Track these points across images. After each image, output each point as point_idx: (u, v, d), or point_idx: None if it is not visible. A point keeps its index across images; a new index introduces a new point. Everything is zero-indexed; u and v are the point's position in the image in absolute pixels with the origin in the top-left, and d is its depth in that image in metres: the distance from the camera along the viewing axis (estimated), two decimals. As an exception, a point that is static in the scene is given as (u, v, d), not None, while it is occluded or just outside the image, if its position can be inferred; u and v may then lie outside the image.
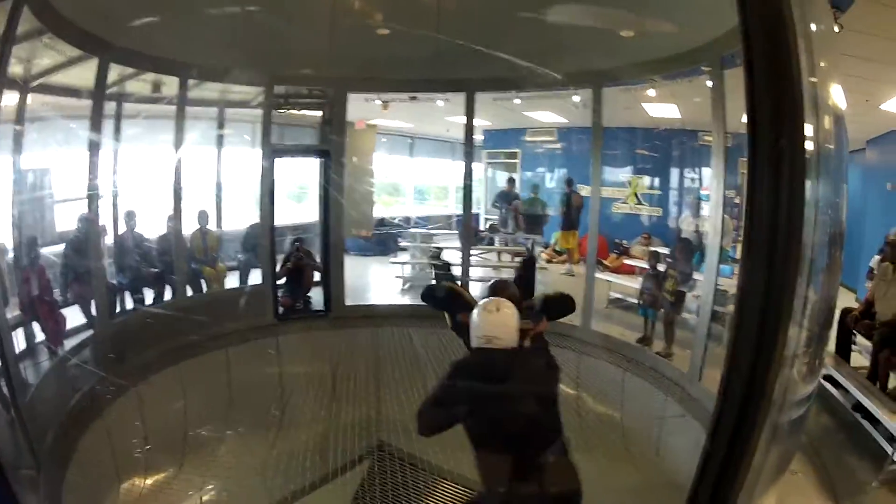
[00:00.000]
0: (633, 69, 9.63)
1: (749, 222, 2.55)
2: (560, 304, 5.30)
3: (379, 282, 12.94)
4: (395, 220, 15.78)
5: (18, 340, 6.76)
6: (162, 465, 7.64)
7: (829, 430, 7.27)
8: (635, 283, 10.86)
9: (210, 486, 7.35)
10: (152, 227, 9.60)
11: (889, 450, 6.34)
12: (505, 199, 14.62)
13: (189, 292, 10.13)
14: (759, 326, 2.64)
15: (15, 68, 6.69)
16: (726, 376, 2.72)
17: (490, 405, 4.31)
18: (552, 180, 14.74)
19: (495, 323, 4.34)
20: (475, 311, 4.44)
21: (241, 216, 11.02)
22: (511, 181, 15.10)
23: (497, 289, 5.01)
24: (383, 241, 14.45)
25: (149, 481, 7.50)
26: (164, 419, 7.84)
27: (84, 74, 7.95)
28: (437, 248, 12.76)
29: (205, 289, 10.40)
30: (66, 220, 8.37)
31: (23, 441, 5.33)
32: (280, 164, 10.43)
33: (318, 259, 11.12)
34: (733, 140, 8.23)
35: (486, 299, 4.50)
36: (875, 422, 6.69)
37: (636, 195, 13.38)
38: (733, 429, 2.79)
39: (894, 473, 6.27)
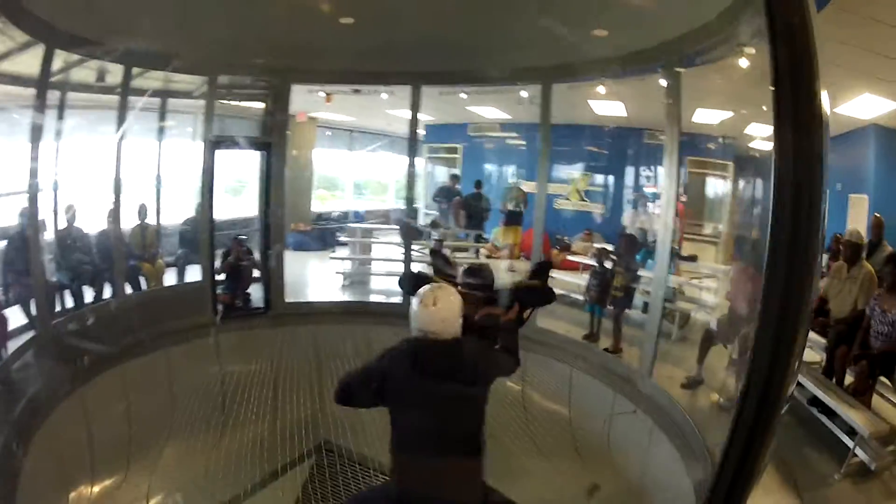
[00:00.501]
0: (585, 66, 9.62)
1: (775, 224, 2.54)
2: (532, 293, 5.27)
3: (319, 278, 12.80)
4: (334, 215, 15.60)
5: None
6: (109, 472, 7.42)
7: (788, 425, 7.37)
8: (578, 280, 10.90)
9: (156, 492, 7.16)
10: (92, 222, 9.30)
11: (850, 443, 6.45)
12: (446, 194, 14.60)
13: (128, 290, 9.76)
14: (778, 326, 2.64)
15: None
16: (748, 377, 2.71)
17: (407, 396, 4.29)
18: (494, 176, 14.70)
19: (430, 316, 4.28)
20: (413, 301, 4.36)
21: (180, 210, 10.73)
22: (455, 177, 15.10)
23: (471, 272, 5.12)
24: (322, 236, 14.31)
25: (96, 489, 7.29)
26: (109, 424, 7.61)
27: (29, 62, 7.70)
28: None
29: (144, 286, 10.08)
30: (5, 215, 8.05)
31: None
32: (220, 156, 10.18)
33: (256, 255, 10.90)
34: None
35: (425, 289, 4.40)
36: (832, 415, 6.80)
37: (578, 192, 13.45)
38: (750, 430, 2.79)
39: (856, 466, 6.39)
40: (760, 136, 9.10)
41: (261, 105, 10.73)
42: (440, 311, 4.29)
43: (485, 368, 4.40)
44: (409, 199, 11.53)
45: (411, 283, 5.40)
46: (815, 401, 7.30)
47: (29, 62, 7.70)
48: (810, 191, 2.44)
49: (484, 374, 4.37)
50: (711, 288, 9.91)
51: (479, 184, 13.69)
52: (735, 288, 8.21)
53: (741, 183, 9.74)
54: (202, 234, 10.10)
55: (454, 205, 14.51)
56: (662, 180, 8.78)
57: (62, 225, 8.88)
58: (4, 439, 6.44)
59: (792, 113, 2.48)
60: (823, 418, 7.10)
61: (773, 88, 2.45)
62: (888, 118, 10.62)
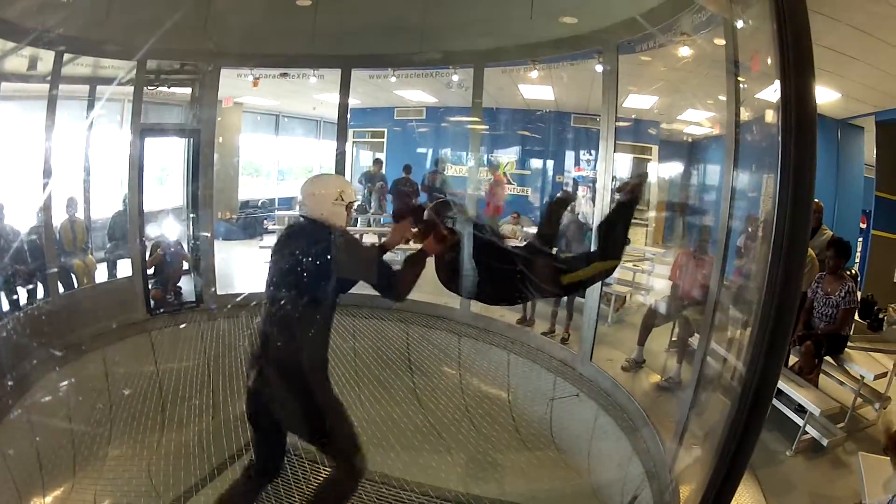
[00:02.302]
0: (518, 50, 9.64)
1: (779, 219, 2.67)
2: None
3: (247, 268, 12.60)
4: (259, 202, 15.39)
5: None
6: (57, 482, 7.23)
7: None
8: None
9: (103, 498, 7.02)
10: (20, 219, 8.94)
11: (799, 421, 6.64)
12: (370, 179, 14.55)
13: (61, 288, 9.46)
14: (775, 317, 2.77)
15: None
16: (750, 365, 2.85)
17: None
18: (420, 161, 14.67)
19: (304, 188, 4.55)
20: None
21: (108, 202, 10.41)
22: (378, 162, 15.04)
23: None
24: (248, 224, 14.11)
25: (48, 500, 7.13)
26: (52, 432, 7.42)
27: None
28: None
29: (76, 284, 9.78)
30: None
31: None
32: (148, 144, 9.93)
33: (185, 246, 10.64)
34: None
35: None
36: (779, 395, 6.99)
37: (506, 175, 13.54)
38: (745, 425, 2.93)
39: (807, 443, 6.60)
40: (690, 121, 9.31)
41: (188, 91, 10.49)
42: (312, 185, 4.54)
43: (336, 259, 4.34)
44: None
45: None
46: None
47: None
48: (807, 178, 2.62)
49: (333, 263, 4.33)
50: (646, 270, 10.08)
51: (408, 168, 13.62)
52: (678, 269, 8.37)
53: (672, 166, 9.92)
54: (132, 227, 9.83)
55: (377, 189, 14.50)
56: (598, 164, 8.89)
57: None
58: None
59: (795, 105, 2.66)
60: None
61: (779, 78, 2.62)
62: (826, 107, 10.91)
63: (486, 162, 14.02)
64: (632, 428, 7.26)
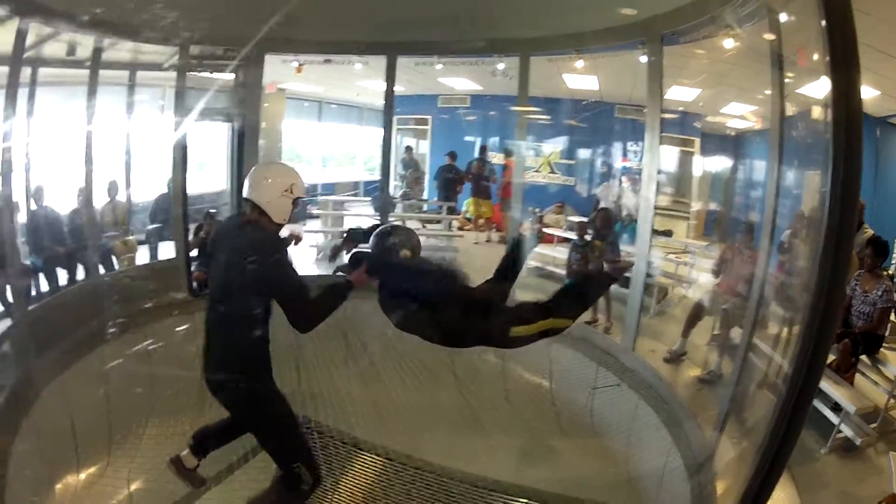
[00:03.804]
0: (563, 40, 9.58)
1: (829, 216, 2.67)
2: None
3: (291, 251, 12.65)
4: (303, 187, 15.44)
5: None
6: (92, 461, 7.33)
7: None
8: (555, 252, 10.95)
9: (137, 477, 7.10)
10: (62, 202, 9.07)
11: (834, 419, 6.58)
12: (406, 166, 14.61)
13: (101, 270, 9.59)
14: (823, 312, 2.78)
15: None
16: (796, 361, 2.86)
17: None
18: (464, 148, 14.63)
19: (248, 176, 4.62)
20: None
21: (150, 186, 10.52)
22: (408, 149, 15.18)
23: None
24: (292, 209, 14.16)
25: (82, 476, 7.22)
26: (90, 411, 7.50)
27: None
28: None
29: (116, 265, 9.89)
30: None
31: None
32: (191, 129, 10.02)
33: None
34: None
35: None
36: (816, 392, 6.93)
37: (550, 164, 13.48)
38: (789, 422, 2.94)
39: (841, 441, 6.54)
40: (733, 114, 9.22)
41: (231, 76, 10.56)
42: (265, 171, 4.76)
43: (257, 261, 4.33)
44: (385, 171, 11.40)
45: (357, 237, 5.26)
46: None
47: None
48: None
49: (254, 266, 4.32)
50: (688, 263, 10.01)
51: (452, 155, 13.64)
52: (723, 265, 8.32)
53: (717, 160, 9.84)
54: (175, 210, 9.91)
55: (409, 176, 14.54)
56: (643, 156, 8.84)
57: (32, 207, 8.65)
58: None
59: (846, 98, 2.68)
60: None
61: (830, 69, 2.63)
62: (866, 105, 10.76)
63: (498, 148, 14.04)
64: (672, 420, 7.23)
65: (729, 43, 7.87)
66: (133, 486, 7.00)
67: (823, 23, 2.75)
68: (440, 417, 8.52)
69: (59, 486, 6.91)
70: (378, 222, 5.30)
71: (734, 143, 9.15)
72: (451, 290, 4.84)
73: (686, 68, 8.91)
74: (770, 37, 6.11)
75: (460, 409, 8.79)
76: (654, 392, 7.79)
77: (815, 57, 2.94)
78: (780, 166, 6.01)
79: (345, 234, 5.17)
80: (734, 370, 6.64)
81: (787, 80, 5.86)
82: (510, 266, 5.58)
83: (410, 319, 4.88)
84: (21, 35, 7.52)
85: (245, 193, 4.53)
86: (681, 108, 9.83)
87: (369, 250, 4.82)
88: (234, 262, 4.36)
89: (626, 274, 9.10)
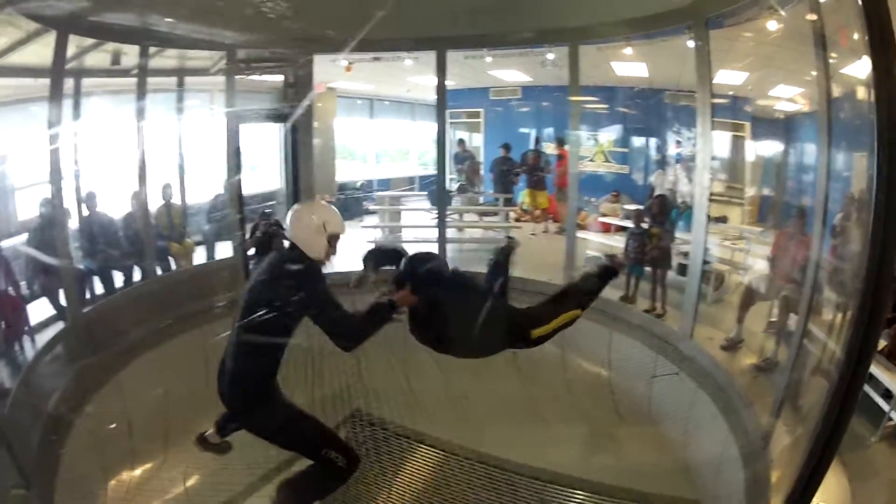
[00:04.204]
0: (611, 27, 9.51)
1: (881, 194, 2.66)
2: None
3: (348, 247, 12.75)
4: (357, 184, 15.58)
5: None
6: (147, 457, 7.49)
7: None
8: (611, 241, 10.90)
9: (194, 472, 7.22)
10: (115, 206, 9.20)
11: (885, 406, 6.45)
12: (460, 160, 14.64)
13: (158, 271, 9.75)
14: (873, 296, 2.75)
15: None
16: (849, 345, 2.84)
17: None
18: (518, 140, 14.59)
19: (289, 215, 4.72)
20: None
21: (204, 188, 10.68)
22: (461, 142, 15.21)
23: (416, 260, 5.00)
24: (347, 205, 14.28)
25: (137, 472, 7.37)
26: (146, 409, 7.66)
27: (41, 52, 7.61)
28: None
29: (173, 266, 10.07)
30: (27, 207, 7.99)
31: (8, 458, 5.17)
32: (244, 131, 10.15)
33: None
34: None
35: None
36: (868, 378, 6.78)
37: (603, 153, 13.40)
38: (841, 406, 2.92)
39: (891, 429, 6.40)
40: (783, 97, 9.08)
41: (280, 78, 10.68)
42: (299, 210, 4.75)
43: (290, 287, 4.43)
44: (441, 165, 11.44)
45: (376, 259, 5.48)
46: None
47: (40, 51, 7.63)
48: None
49: (288, 292, 4.41)
50: (744, 249, 9.88)
51: (506, 147, 13.62)
52: (778, 250, 8.21)
53: (768, 144, 9.69)
54: (231, 210, 10.07)
55: (467, 169, 14.56)
56: (696, 142, 8.76)
57: (85, 212, 8.78)
58: (42, 432, 6.53)
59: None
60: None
61: (868, 47, 2.61)
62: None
63: (551, 138, 13.97)
64: (729, 408, 7.17)
65: (773, 25, 7.76)
66: (189, 482, 7.15)
67: (860, 1, 2.72)
68: (501, 409, 8.55)
69: (112, 482, 7.08)
70: (394, 244, 5.37)
71: (784, 127, 8.99)
72: (491, 305, 5.04)
73: (732, 52, 8.79)
74: (812, 17, 6.00)
75: (521, 400, 8.81)
76: (712, 380, 7.74)
77: (856, 37, 2.90)
78: (829, 149, 5.91)
79: (364, 259, 5.34)
80: (789, 357, 6.55)
81: (831, 61, 5.76)
82: (503, 272, 5.76)
83: (449, 339, 5.08)
84: (61, 46, 7.69)
85: (286, 233, 4.67)
86: (730, 93, 9.69)
87: (407, 269, 4.93)
88: (269, 287, 4.49)
89: (682, 262, 9.09)
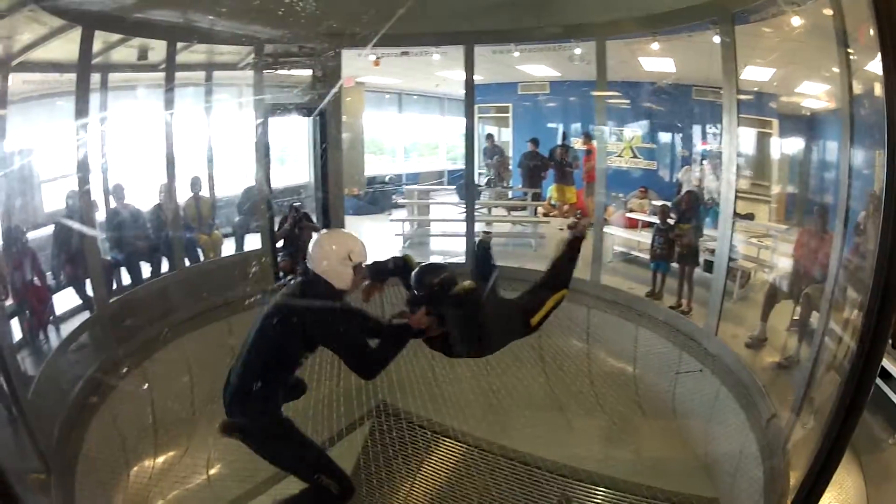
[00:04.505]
0: (638, 22, 9.49)
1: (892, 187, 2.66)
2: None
3: (377, 241, 12.80)
4: (386, 178, 15.63)
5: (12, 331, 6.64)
6: (171, 445, 7.60)
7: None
8: (639, 237, 10.88)
9: (217, 462, 7.30)
10: (144, 199, 9.31)
11: (905, 407, 6.39)
12: (489, 155, 14.64)
13: (186, 262, 9.87)
14: (882, 294, 2.75)
15: None
16: (864, 335, 2.84)
17: None
18: (546, 134, 14.56)
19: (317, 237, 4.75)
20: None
21: (233, 180, 10.77)
22: (489, 137, 15.20)
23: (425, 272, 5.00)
24: (376, 199, 14.36)
25: (160, 460, 7.46)
26: (171, 397, 7.76)
27: (67, 47, 7.70)
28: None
29: (202, 258, 10.18)
30: (54, 199, 8.07)
31: (29, 443, 5.24)
32: (272, 125, 10.23)
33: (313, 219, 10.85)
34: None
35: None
36: (887, 378, 6.71)
37: (631, 149, 13.33)
38: (854, 396, 2.92)
39: (910, 431, 6.33)
40: (815, 94, 9.00)
41: (308, 72, 10.73)
42: (322, 240, 4.71)
43: (314, 322, 4.45)
44: (469, 160, 11.47)
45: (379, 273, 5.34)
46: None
47: (65, 46, 7.71)
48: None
49: (310, 325, 4.44)
50: (770, 247, 9.81)
51: (535, 142, 13.58)
52: (800, 248, 8.15)
53: (793, 142, 9.61)
54: (260, 202, 10.15)
55: (496, 163, 14.56)
56: (722, 137, 8.72)
57: (112, 204, 8.89)
58: (65, 418, 6.63)
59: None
60: (879, 381, 7.01)
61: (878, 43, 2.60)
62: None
63: (579, 133, 13.92)
64: (751, 405, 7.16)
65: (796, 20, 7.70)
66: (212, 470, 7.23)
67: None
68: (526, 402, 8.60)
69: (134, 468, 7.17)
70: (400, 256, 5.35)
71: (810, 124, 8.91)
72: (500, 308, 5.36)
73: (758, 48, 8.72)
74: (831, 13, 5.95)
75: (546, 394, 8.84)
76: (735, 377, 7.71)
77: (872, 33, 2.90)
78: (850, 146, 5.87)
79: (369, 273, 5.10)
80: (810, 355, 6.50)
81: (852, 58, 5.71)
82: (487, 265, 5.92)
83: (462, 347, 5.21)
84: (87, 42, 7.76)
85: (307, 262, 4.62)
86: (756, 89, 9.62)
87: (419, 289, 4.93)
88: (291, 317, 4.46)
89: (708, 258, 9.05)
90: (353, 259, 4.61)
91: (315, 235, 4.77)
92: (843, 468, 5.40)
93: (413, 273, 5.00)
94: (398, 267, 5.24)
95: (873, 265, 2.85)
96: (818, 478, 3.30)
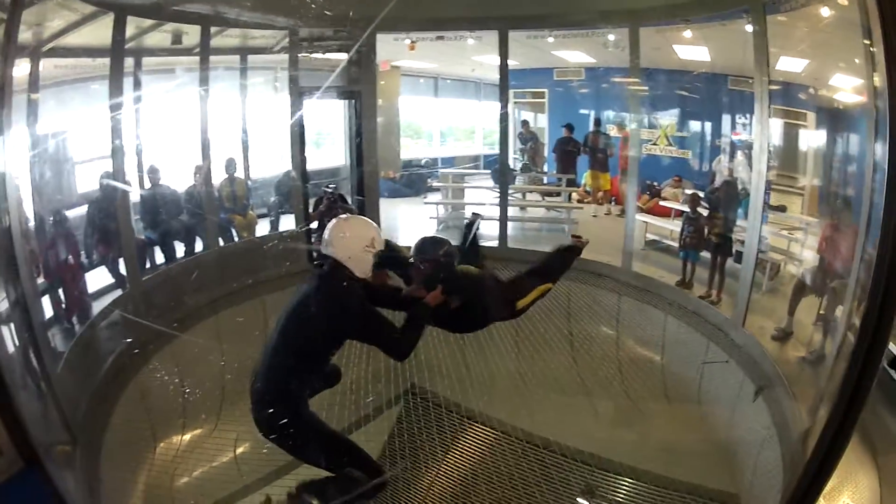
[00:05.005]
0: (670, 9, 9.43)
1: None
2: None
3: (412, 223, 12.83)
4: (422, 162, 15.69)
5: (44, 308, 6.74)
6: (199, 422, 7.71)
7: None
8: (671, 225, 10.83)
9: (245, 440, 7.39)
10: (179, 179, 9.48)
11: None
12: (524, 141, 14.62)
13: (220, 242, 10.03)
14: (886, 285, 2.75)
15: (25, 34, 6.51)
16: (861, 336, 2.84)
17: None
18: (581, 120, 14.50)
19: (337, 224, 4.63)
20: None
21: (268, 162, 10.89)
22: (525, 123, 15.14)
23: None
24: (412, 182, 14.40)
25: (186, 437, 7.57)
26: (202, 375, 7.85)
27: (100, 32, 7.79)
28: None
29: (236, 238, 10.29)
30: (89, 180, 8.21)
31: (56, 415, 5.33)
32: (307, 107, 10.31)
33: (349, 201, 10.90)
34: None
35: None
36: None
37: (667, 137, 13.22)
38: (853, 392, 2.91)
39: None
40: (845, 86, 8.88)
41: (344, 56, 10.78)
42: (343, 227, 4.62)
43: (347, 321, 4.45)
44: (503, 144, 11.49)
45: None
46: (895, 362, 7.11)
47: (98, 32, 7.80)
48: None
49: (326, 314, 4.40)
50: (800, 239, 9.73)
51: (570, 127, 13.55)
52: (825, 241, 8.07)
53: (825, 134, 9.49)
54: (295, 184, 10.25)
55: (531, 149, 14.52)
56: (753, 128, 8.65)
57: (147, 185, 9.05)
58: (94, 392, 6.76)
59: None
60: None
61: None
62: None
63: (613, 120, 13.84)
64: (773, 398, 7.14)
65: (825, 11, 7.61)
66: (239, 450, 7.33)
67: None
68: (554, 389, 8.63)
69: (161, 444, 7.29)
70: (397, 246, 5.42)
71: (841, 117, 8.79)
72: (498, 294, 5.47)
73: (789, 38, 8.62)
74: (845, 2, 5.90)
75: (573, 378, 8.88)
76: (760, 369, 7.69)
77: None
78: (874, 139, 5.80)
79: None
80: (832, 349, 6.45)
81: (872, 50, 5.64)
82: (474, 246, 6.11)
83: (465, 321, 5.45)
84: (120, 27, 7.84)
85: (324, 250, 4.56)
86: (788, 80, 9.49)
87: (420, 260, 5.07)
88: (317, 312, 4.41)
89: (739, 249, 8.99)
90: (376, 246, 4.58)
91: (332, 223, 4.65)
92: (860, 466, 5.38)
93: (415, 245, 5.16)
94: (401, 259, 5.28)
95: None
96: (821, 467, 3.30)
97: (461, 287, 5.04)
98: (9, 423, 3.25)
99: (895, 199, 2.74)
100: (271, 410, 4.53)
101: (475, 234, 6.16)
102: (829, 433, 3.19)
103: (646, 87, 11.17)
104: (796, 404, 6.63)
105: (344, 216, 4.79)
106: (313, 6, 9.05)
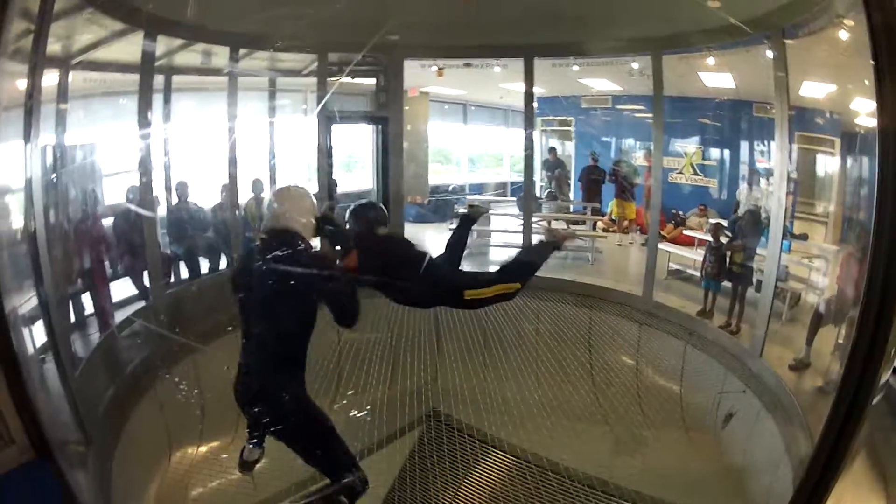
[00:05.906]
0: (694, 37, 9.44)
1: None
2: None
3: (438, 248, 12.85)
4: (450, 188, 15.76)
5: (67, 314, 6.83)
6: (217, 436, 7.74)
7: (880, 412, 7.14)
8: (694, 255, 10.77)
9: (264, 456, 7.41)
10: (206, 198, 9.62)
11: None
12: (550, 168, 14.66)
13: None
14: (879, 307, 2.70)
15: (55, 46, 6.62)
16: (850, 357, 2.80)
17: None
18: (607, 149, 14.54)
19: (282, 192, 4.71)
20: None
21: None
22: (552, 150, 15.20)
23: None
24: (439, 208, 14.44)
25: (203, 449, 7.61)
26: (222, 389, 7.90)
27: (130, 49, 7.91)
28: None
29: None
30: (116, 194, 8.36)
31: (71, 415, 5.38)
32: (335, 132, 10.42)
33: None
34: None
35: None
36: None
37: (692, 166, 13.19)
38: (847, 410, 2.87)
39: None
40: (864, 111, 8.82)
41: (372, 81, 10.90)
42: (290, 194, 4.65)
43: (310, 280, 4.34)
44: (528, 172, 11.52)
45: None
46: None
47: (128, 48, 7.92)
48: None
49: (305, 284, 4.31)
50: (821, 269, 9.64)
51: (595, 156, 13.60)
52: (842, 270, 7.99)
53: (848, 160, 9.41)
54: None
55: (557, 177, 14.54)
56: (774, 155, 8.61)
57: (174, 200, 9.22)
58: (112, 398, 6.82)
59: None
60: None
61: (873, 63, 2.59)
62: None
63: (639, 148, 13.85)
64: (788, 429, 7.05)
65: (843, 34, 7.56)
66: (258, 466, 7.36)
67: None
68: (572, 417, 8.59)
69: (177, 454, 7.34)
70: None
71: (862, 142, 8.72)
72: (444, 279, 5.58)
73: (810, 63, 8.58)
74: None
75: (592, 409, 8.84)
76: (776, 400, 7.61)
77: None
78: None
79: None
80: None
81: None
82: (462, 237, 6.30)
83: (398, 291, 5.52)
84: (150, 45, 7.98)
85: (270, 222, 4.49)
86: (812, 106, 9.44)
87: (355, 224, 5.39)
88: (278, 279, 4.32)
89: (759, 278, 8.92)
90: (316, 211, 4.60)
91: (269, 195, 4.70)
92: (871, 494, 5.29)
93: (350, 209, 5.47)
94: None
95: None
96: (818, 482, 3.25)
97: (377, 246, 5.30)
98: (24, 416, 3.29)
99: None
100: (270, 397, 4.56)
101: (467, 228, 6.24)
102: (817, 464, 3.14)
103: (673, 116, 11.17)
104: (809, 434, 6.56)
105: (278, 188, 4.83)
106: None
